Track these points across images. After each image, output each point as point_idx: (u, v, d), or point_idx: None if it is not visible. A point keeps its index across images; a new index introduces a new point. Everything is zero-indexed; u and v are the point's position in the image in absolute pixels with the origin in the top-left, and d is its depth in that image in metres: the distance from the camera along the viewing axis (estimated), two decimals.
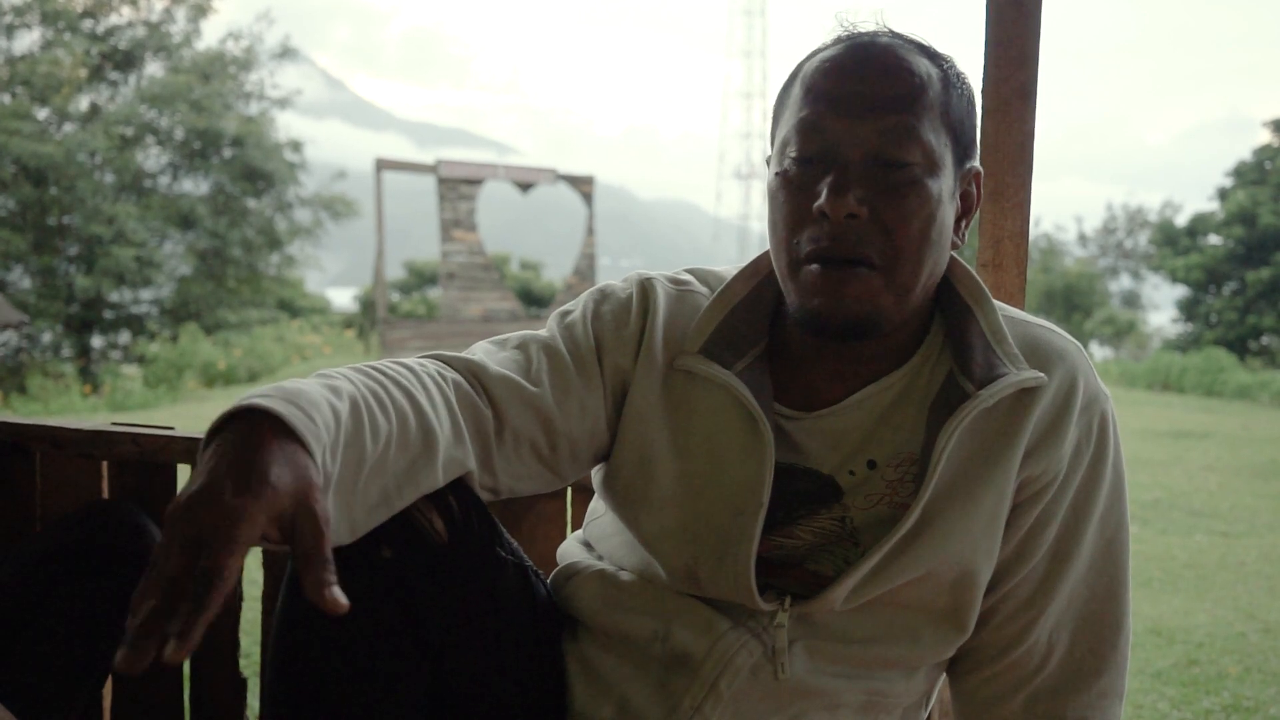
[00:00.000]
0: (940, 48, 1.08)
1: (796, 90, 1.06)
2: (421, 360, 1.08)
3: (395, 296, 22.91)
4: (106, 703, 1.72)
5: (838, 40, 1.07)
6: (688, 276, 1.20)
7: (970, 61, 1.18)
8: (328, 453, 0.87)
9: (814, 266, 1.01)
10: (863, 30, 1.07)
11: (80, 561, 1.40)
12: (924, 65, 1.03)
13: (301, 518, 0.79)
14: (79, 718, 1.46)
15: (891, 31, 1.07)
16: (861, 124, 1.00)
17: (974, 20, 1.56)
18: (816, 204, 1.00)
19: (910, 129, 1.00)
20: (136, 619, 0.72)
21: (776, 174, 1.05)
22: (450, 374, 1.07)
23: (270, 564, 1.60)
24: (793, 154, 1.03)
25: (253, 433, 0.82)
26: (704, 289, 1.18)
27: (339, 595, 0.75)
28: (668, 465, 1.12)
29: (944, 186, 1.03)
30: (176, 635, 0.72)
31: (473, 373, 1.09)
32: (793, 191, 1.03)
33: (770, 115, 1.15)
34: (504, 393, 1.08)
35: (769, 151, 1.11)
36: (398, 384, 1.00)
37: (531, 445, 1.11)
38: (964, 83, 1.07)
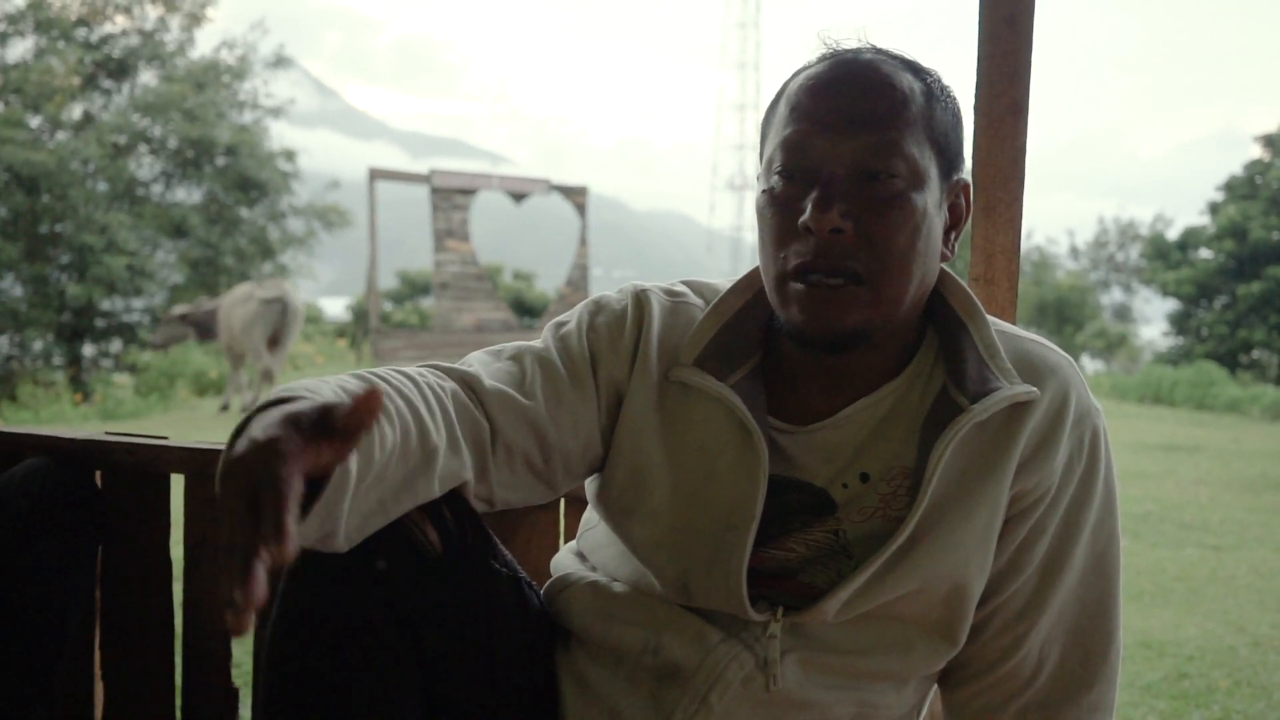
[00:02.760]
0: (930, 63, 1.09)
1: (782, 109, 1.07)
2: (420, 370, 1.08)
3: (388, 306, 22.89)
4: (98, 712, 1.71)
5: (822, 58, 1.07)
6: (682, 288, 1.20)
7: (962, 77, 1.19)
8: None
9: (799, 285, 1.02)
10: (846, 48, 1.08)
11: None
12: (906, 80, 1.04)
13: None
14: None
15: (875, 48, 1.08)
16: (844, 140, 1.01)
17: (967, 36, 1.57)
18: (801, 219, 1.01)
19: (892, 143, 1.01)
20: (232, 568, 0.72)
21: (763, 191, 1.07)
22: (449, 384, 1.08)
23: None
24: (778, 171, 1.04)
25: (281, 412, 0.82)
26: (699, 301, 1.18)
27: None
28: (661, 477, 1.12)
29: (929, 199, 1.03)
30: (272, 541, 0.72)
31: (468, 384, 1.09)
32: (778, 208, 1.04)
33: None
34: (498, 406, 1.09)
35: (759, 168, 1.12)
36: (402, 394, 1.00)
37: (525, 458, 1.11)
38: (949, 96, 1.08)
